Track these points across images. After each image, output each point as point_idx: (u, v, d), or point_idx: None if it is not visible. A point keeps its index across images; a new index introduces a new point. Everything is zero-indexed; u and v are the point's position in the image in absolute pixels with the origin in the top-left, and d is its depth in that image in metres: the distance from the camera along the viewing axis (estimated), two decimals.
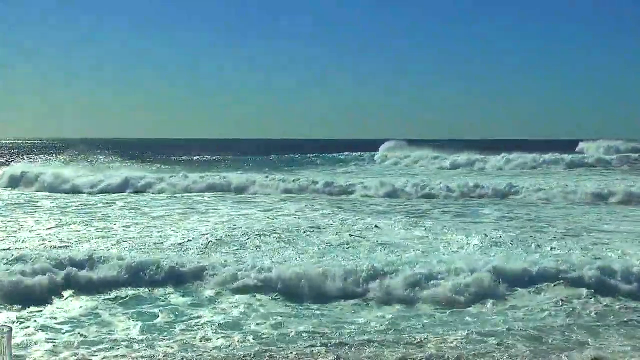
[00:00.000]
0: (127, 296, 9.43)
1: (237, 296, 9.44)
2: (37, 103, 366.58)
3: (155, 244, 13.46)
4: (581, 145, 57.10)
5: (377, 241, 13.75)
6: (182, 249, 12.89)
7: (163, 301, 9.27)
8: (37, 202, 22.26)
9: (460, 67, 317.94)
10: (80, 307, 8.94)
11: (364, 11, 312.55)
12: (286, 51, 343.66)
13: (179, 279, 10.08)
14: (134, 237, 14.33)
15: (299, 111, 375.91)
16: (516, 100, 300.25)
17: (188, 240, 13.92)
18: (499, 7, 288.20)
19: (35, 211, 19.58)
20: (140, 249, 12.78)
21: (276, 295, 9.48)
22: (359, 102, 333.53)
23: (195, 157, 61.50)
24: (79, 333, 7.84)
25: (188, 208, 20.51)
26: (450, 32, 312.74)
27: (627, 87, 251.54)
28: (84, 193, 25.19)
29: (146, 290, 9.71)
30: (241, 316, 8.64)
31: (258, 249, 12.86)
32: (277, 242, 13.70)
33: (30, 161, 50.44)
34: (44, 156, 64.65)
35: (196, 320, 8.47)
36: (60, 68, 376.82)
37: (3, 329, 2.63)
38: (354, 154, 55.99)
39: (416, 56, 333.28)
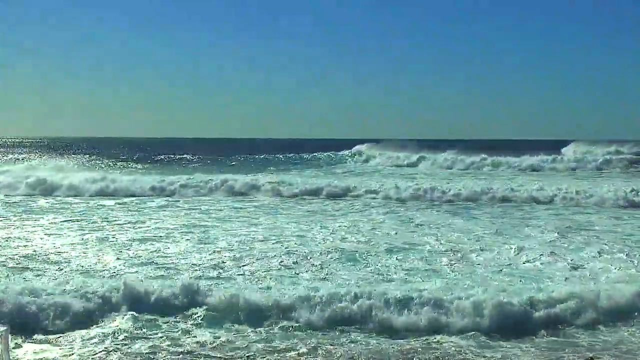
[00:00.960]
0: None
1: None
2: (37, 103, 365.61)
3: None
4: (569, 146, 56.54)
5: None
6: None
7: None
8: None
9: (460, 67, 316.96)
10: None
11: (364, 11, 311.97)
12: (286, 51, 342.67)
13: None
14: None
15: (299, 111, 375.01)
16: (516, 100, 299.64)
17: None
18: (499, 7, 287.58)
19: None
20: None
21: None
22: (359, 102, 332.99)
23: (195, 157, 61.44)
24: None
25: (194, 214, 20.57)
26: (450, 32, 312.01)
27: (627, 87, 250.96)
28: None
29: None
30: None
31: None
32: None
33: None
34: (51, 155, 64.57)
35: None
36: (60, 68, 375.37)
37: (0, 330, 2.65)
38: (340, 153, 56.43)
39: (416, 56, 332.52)
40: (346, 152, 56.63)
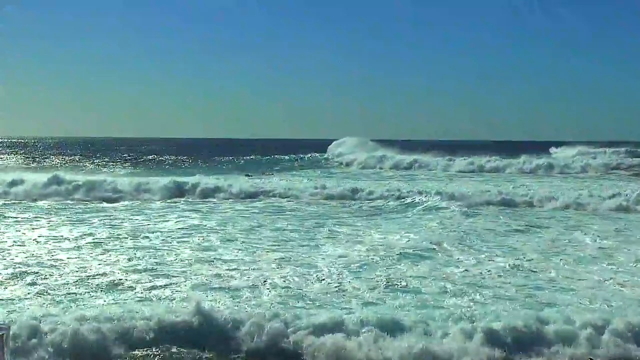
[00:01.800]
0: None
1: None
2: (37, 103, 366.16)
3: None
4: (560, 148, 56.41)
5: None
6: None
7: None
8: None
9: (460, 67, 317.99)
10: None
11: (364, 11, 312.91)
12: (289, 53, 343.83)
13: None
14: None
15: (302, 111, 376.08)
16: (517, 100, 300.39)
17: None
18: (499, 7, 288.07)
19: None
20: None
21: None
22: (359, 101, 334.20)
23: (195, 157, 61.30)
24: None
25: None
26: (450, 33, 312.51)
27: (628, 87, 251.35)
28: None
29: None
30: None
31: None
32: None
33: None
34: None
35: None
36: (60, 68, 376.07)
37: (1, 329, 2.57)
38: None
39: (416, 56, 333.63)
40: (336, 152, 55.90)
